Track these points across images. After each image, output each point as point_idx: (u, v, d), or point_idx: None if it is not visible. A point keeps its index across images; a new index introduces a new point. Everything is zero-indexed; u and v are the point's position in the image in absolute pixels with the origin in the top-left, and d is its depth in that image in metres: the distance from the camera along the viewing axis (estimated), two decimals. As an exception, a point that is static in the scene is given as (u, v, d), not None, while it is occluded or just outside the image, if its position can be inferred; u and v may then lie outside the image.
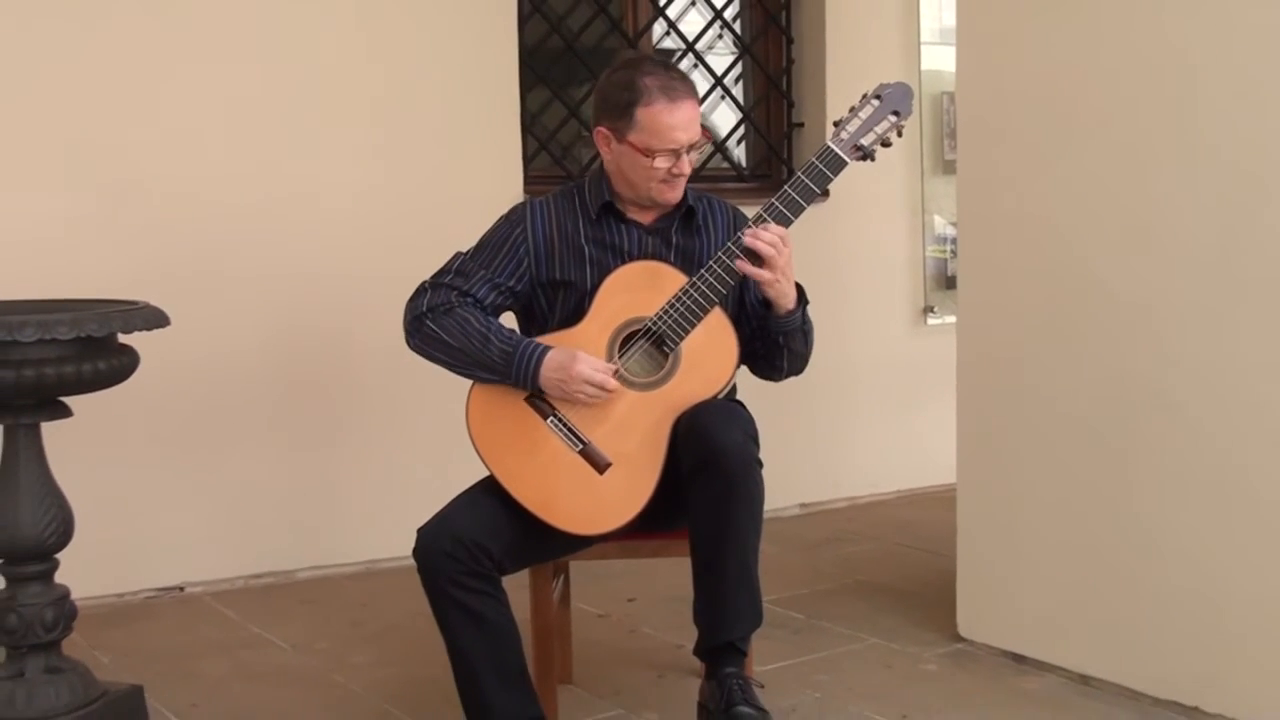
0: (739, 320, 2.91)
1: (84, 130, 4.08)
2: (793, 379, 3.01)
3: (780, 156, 5.47)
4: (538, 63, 4.98)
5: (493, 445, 2.76)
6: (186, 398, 4.25)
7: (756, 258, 2.71)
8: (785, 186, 2.76)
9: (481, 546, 2.64)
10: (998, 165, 3.54)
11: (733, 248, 2.73)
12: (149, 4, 4.15)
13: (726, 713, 2.55)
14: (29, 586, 3.01)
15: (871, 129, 2.82)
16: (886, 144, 2.85)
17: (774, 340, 2.87)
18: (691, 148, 2.83)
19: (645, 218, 2.92)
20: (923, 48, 5.56)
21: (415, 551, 2.67)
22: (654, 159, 2.79)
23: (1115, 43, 3.20)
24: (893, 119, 2.83)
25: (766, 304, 2.83)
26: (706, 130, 2.97)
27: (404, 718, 3.23)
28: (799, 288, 2.83)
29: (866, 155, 2.83)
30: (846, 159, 2.79)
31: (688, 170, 2.84)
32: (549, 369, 2.70)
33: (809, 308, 2.88)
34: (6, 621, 3.00)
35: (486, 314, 2.81)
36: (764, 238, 2.71)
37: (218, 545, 4.37)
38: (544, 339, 2.78)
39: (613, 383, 2.70)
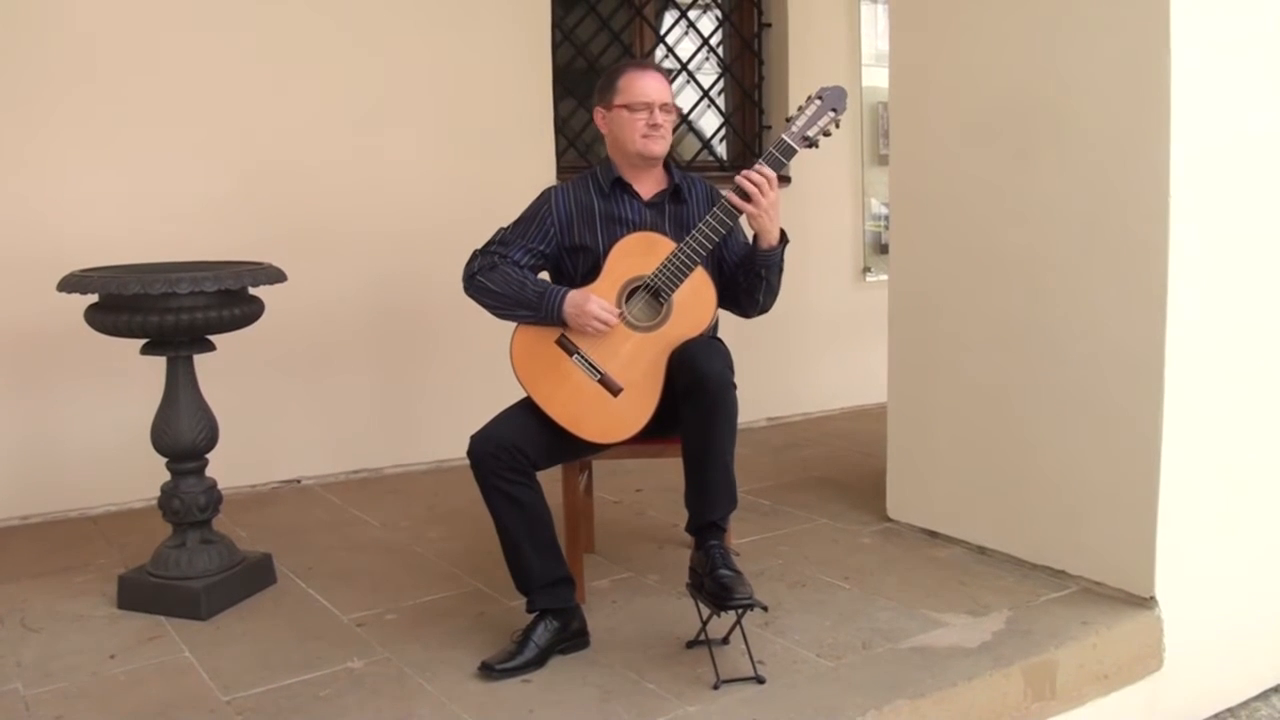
0: (721, 271, 2.91)
1: (223, 131, 4.09)
2: (763, 321, 2.99)
3: (753, 152, 5.43)
4: (566, 78, 4.95)
5: (531, 375, 2.75)
6: (300, 335, 4.26)
7: (745, 197, 2.70)
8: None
9: (519, 449, 2.65)
10: (920, 159, 3.53)
11: (711, 220, 2.70)
12: (272, 30, 4.15)
13: (711, 574, 2.55)
14: (187, 479, 3.08)
15: (815, 123, 2.76)
16: (827, 134, 2.78)
17: (756, 273, 2.82)
18: (663, 107, 2.83)
19: (645, 191, 2.90)
20: (863, 68, 5.52)
21: (469, 453, 2.67)
22: (635, 112, 2.81)
23: (1009, 65, 3.20)
24: (832, 114, 2.77)
25: (755, 238, 2.79)
26: (684, 117, 2.92)
27: (466, 577, 3.27)
28: (783, 233, 2.81)
29: (812, 144, 2.78)
30: (796, 147, 2.75)
31: (661, 121, 2.82)
32: (569, 306, 2.71)
33: (788, 247, 2.84)
34: (171, 505, 3.07)
35: (522, 270, 2.82)
36: (752, 177, 2.70)
37: (325, 448, 4.41)
38: None
39: (614, 319, 2.70)
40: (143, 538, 3.51)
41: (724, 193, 2.76)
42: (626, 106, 2.82)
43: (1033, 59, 3.13)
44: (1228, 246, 2.98)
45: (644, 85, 2.83)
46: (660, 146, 2.86)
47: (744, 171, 2.71)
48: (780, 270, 2.86)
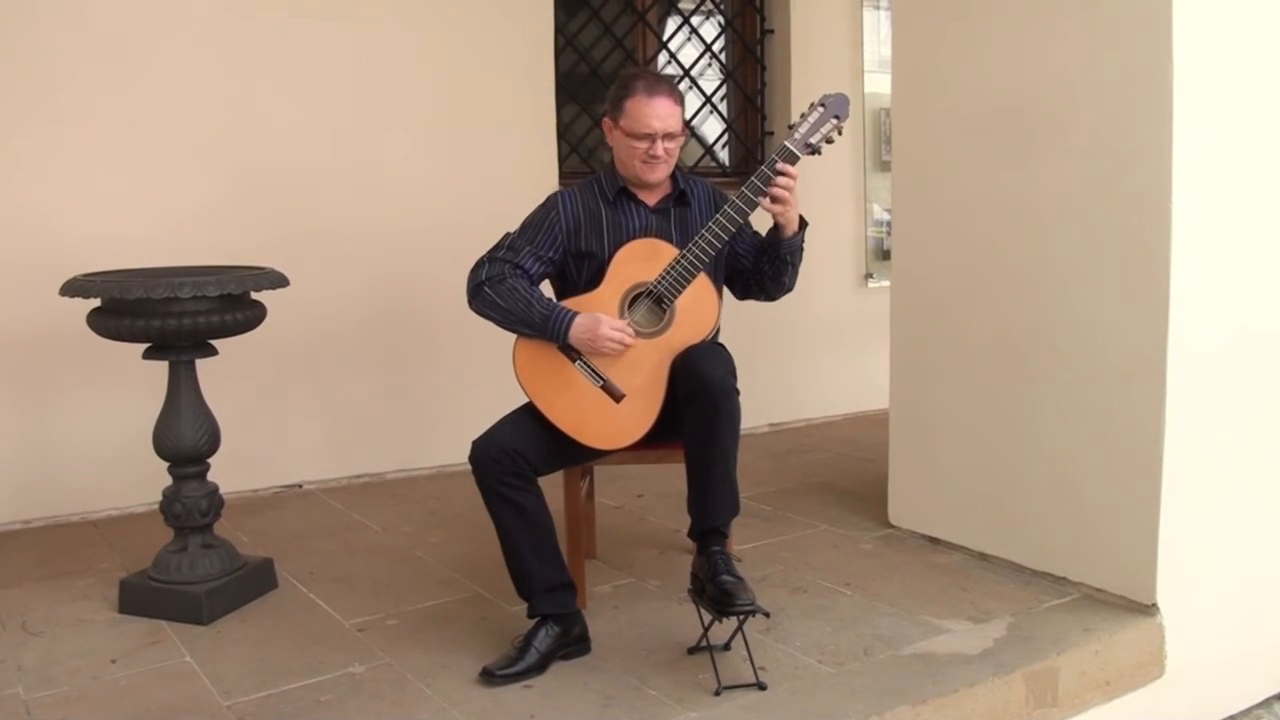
0: (738, 265, 2.93)
1: (227, 136, 4.09)
2: (766, 326, 2.97)
3: (755, 158, 5.45)
4: (569, 84, 4.96)
5: (534, 381, 2.74)
6: (302, 340, 4.27)
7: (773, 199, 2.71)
8: (752, 177, 2.71)
9: (521, 454, 2.64)
10: (923, 165, 3.54)
11: (714, 227, 2.69)
12: (275, 35, 4.16)
13: (713, 580, 2.55)
14: (188, 483, 3.08)
15: (818, 130, 2.75)
16: (830, 141, 2.77)
17: (783, 259, 2.84)
18: (667, 136, 2.78)
19: (650, 199, 2.89)
20: (865, 74, 5.52)
21: (470, 458, 2.66)
22: (636, 140, 2.77)
23: (1011, 70, 3.20)
24: (834, 121, 2.75)
25: (776, 229, 2.79)
26: (688, 126, 2.88)
27: (467, 582, 3.27)
28: (801, 218, 2.81)
29: (815, 150, 2.76)
30: (799, 154, 2.73)
31: (661, 154, 2.79)
32: (577, 330, 2.68)
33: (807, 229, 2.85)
34: (173, 509, 3.07)
35: (531, 283, 2.78)
36: (780, 183, 2.69)
37: (327, 452, 4.41)
38: (570, 303, 2.76)
39: (630, 338, 2.68)
40: (144, 542, 3.51)
41: (759, 201, 2.72)
42: (629, 134, 2.79)
43: (1035, 64, 3.13)
44: (1229, 252, 2.98)
45: (649, 115, 2.76)
46: (658, 175, 2.84)
47: (773, 181, 2.70)
48: (802, 252, 2.88)
